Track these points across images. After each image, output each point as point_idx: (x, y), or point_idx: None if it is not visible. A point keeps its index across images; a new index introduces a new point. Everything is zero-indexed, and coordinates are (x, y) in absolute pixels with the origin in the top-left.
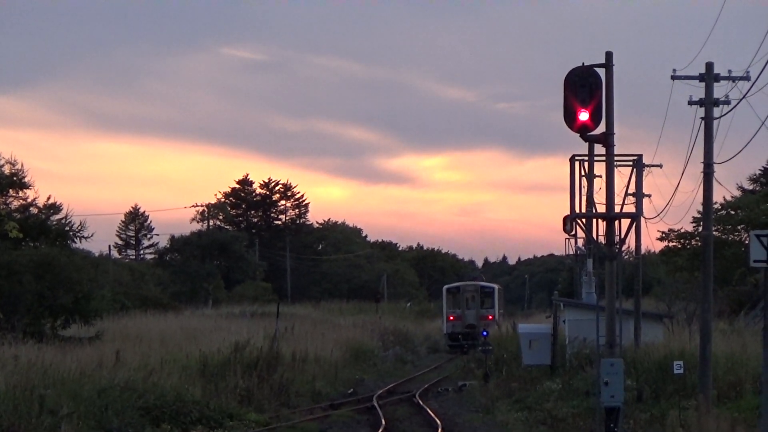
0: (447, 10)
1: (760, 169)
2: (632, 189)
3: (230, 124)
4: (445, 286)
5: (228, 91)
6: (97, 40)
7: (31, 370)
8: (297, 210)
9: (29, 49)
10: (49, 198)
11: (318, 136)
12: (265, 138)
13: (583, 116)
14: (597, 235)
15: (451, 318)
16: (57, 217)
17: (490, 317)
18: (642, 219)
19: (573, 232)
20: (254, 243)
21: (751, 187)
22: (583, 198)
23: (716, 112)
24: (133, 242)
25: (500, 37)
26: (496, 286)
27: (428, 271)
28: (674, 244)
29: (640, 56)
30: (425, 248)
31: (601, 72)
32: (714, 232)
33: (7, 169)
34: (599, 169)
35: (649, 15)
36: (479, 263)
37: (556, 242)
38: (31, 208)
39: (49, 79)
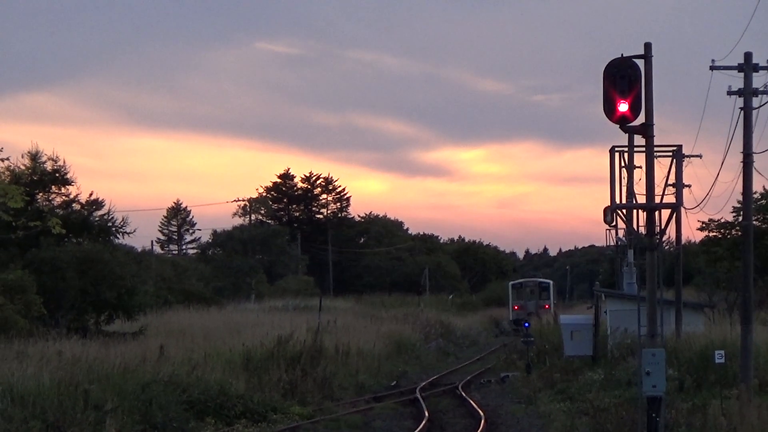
0: (482, 1)
1: None
2: (672, 179)
3: (268, 118)
4: (510, 283)
5: (265, 86)
6: (134, 36)
7: (76, 366)
8: (338, 204)
9: (68, 46)
10: (91, 194)
11: (355, 130)
12: (303, 132)
13: (623, 107)
14: (637, 226)
15: (516, 308)
16: (99, 213)
17: (547, 306)
18: (682, 209)
19: (614, 223)
20: (296, 237)
21: None
22: (623, 189)
23: (755, 102)
24: (176, 237)
25: (536, 29)
26: (550, 282)
27: (470, 263)
28: (714, 234)
29: (678, 46)
30: (466, 240)
31: (640, 63)
32: (754, 222)
33: (49, 166)
34: (639, 159)
35: (686, 4)
36: (520, 255)
37: (597, 233)
38: (73, 205)
39: (88, 75)
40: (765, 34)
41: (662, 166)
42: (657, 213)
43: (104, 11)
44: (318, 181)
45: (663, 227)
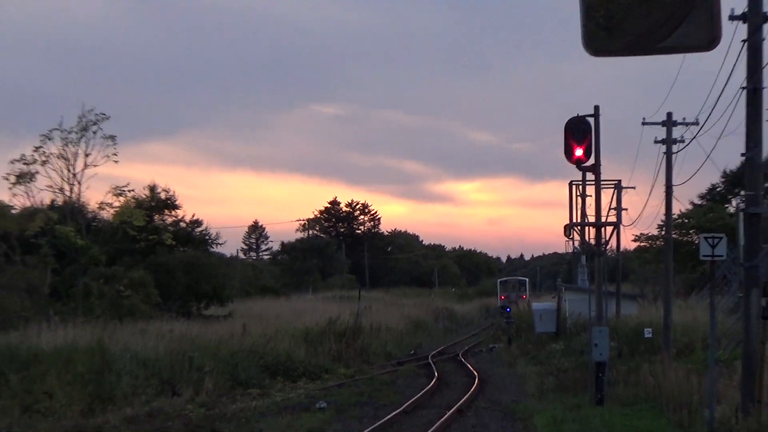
0: (476, 75)
1: (706, 189)
2: (614, 204)
3: (321, 160)
4: (499, 280)
5: (319, 137)
6: (225, 102)
7: (183, 339)
8: (372, 222)
9: (177, 108)
10: (193, 215)
11: (384, 169)
12: (346, 170)
13: (579, 152)
14: (588, 238)
15: (502, 297)
16: (199, 229)
17: (524, 296)
18: (621, 226)
19: (571, 236)
20: (341, 247)
21: (699, 202)
22: (579, 211)
23: (675, 148)
24: (254, 247)
25: (514, 94)
26: (526, 279)
27: (467, 265)
28: (644, 244)
29: (619, 106)
30: (465, 249)
31: (591, 120)
32: (673, 235)
33: (162, 195)
34: (590, 190)
35: (624, 75)
36: (504, 259)
37: (559, 243)
38: (180, 223)
39: (193, 129)
40: (682, 99)
41: (607, 195)
42: (603, 229)
43: (203, 83)
44: (357, 206)
45: (607, 239)
